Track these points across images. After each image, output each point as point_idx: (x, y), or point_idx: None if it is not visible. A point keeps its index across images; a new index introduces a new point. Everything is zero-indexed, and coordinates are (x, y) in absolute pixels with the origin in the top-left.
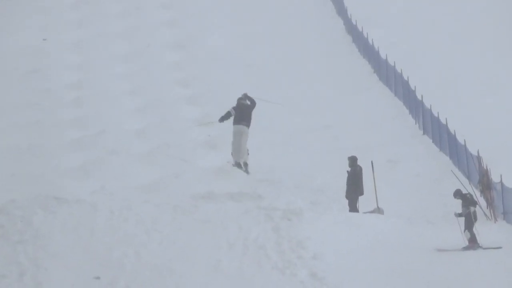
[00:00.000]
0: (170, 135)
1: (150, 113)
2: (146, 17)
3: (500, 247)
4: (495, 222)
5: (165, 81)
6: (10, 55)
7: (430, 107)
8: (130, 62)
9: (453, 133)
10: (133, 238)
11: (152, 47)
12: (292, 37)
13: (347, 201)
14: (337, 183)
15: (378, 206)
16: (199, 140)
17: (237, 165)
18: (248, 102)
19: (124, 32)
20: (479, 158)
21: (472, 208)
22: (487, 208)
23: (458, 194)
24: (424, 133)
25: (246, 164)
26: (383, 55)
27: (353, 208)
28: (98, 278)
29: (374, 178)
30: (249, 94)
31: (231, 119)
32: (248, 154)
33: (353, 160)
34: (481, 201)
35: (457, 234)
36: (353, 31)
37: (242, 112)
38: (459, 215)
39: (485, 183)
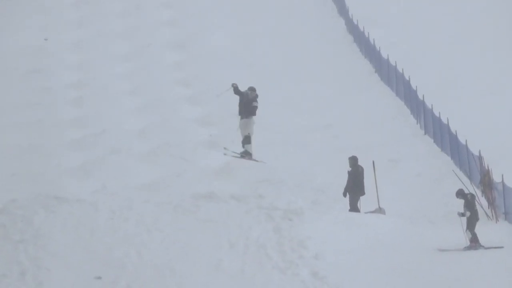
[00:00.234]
0: (171, 134)
1: (151, 113)
2: (146, 17)
3: (501, 247)
4: (496, 222)
5: (165, 81)
6: (10, 55)
7: (432, 106)
8: (131, 62)
9: (454, 133)
10: (134, 237)
11: (152, 47)
12: (293, 37)
13: (346, 199)
14: (338, 182)
15: (379, 206)
16: (200, 139)
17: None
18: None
19: (124, 32)
20: (480, 158)
21: (467, 213)
22: (489, 208)
23: (460, 194)
24: (425, 133)
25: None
26: (384, 55)
27: (354, 208)
28: (99, 277)
29: (375, 178)
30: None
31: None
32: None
33: (353, 161)
34: (483, 201)
35: (458, 234)
36: (354, 31)
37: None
38: (462, 214)
39: (486, 183)
